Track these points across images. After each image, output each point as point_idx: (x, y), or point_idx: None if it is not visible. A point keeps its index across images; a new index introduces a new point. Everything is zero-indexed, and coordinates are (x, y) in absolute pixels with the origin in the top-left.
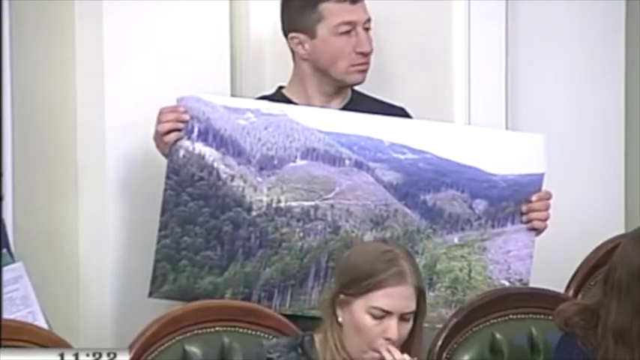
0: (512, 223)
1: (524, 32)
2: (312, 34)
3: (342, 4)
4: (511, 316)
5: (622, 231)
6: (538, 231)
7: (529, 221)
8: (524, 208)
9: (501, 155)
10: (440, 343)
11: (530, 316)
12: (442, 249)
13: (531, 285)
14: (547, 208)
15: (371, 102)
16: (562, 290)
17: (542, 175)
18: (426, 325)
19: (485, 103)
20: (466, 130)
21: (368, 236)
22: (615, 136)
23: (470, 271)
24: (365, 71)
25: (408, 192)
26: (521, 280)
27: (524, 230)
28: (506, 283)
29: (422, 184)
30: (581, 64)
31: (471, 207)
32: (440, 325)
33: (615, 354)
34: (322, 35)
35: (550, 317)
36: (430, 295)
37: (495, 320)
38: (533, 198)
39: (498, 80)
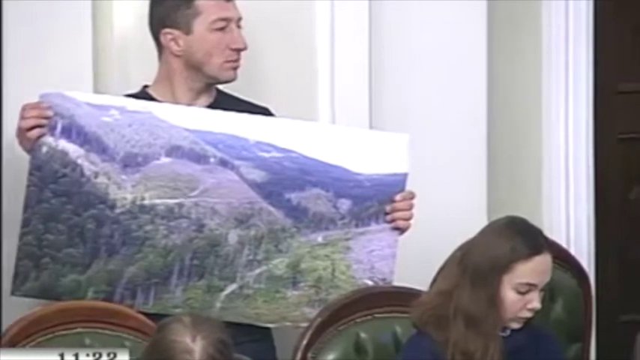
0: (376, 222)
1: (388, 33)
2: (187, 30)
3: (217, 1)
4: (375, 315)
5: None
6: (401, 230)
7: (393, 221)
8: (387, 207)
9: (365, 155)
10: (305, 342)
11: (394, 315)
12: (306, 248)
13: (395, 284)
14: (410, 208)
15: (235, 101)
16: (425, 289)
17: (405, 174)
18: (289, 324)
19: (349, 103)
20: (331, 130)
21: (232, 234)
22: (478, 137)
23: (334, 270)
24: (237, 68)
25: (273, 190)
26: (384, 279)
27: (388, 230)
28: (370, 283)
29: (287, 182)
30: (444, 65)
31: (335, 206)
32: (304, 325)
33: (466, 337)
34: (198, 31)
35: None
36: (294, 294)
37: (360, 319)
38: (397, 198)
39: (362, 80)
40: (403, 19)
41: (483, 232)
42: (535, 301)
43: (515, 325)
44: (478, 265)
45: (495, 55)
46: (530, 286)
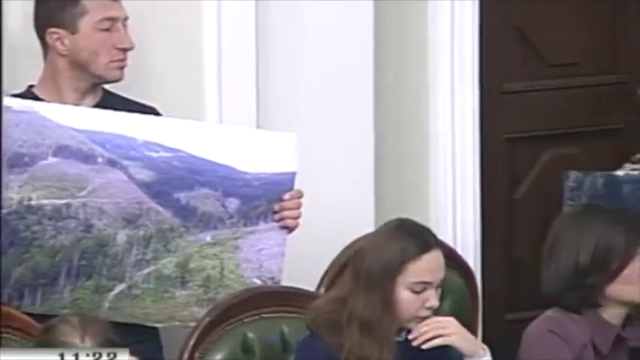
0: (265, 221)
1: (275, 33)
2: (73, 30)
3: (103, 1)
4: (263, 315)
5: (372, 229)
6: (290, 229)
7: (281, 220)
8: (276, 206)
9: (253, 154)
10: (192, 342)
11: (282, 315)
12: (195, 247)
13: (283, 283)
14: (299, 207)
15: (122, 101)
16: (313, 289)
17: (293, 174)
18: (177, 324)
19: (236, 102)
20: (219, 129)
21: (121, 234)
22: (365, 137)
23: (222, 269)
24: (123, 68)
25: (161, 190)
26: (273, 278)
27: (276, 229)
28: (258, 282)
29: (175, 182)
30: (331, 65)
31: (223, 205)
32: (192, 324)
33: (361, 344)
34: (84, 30)
35: (302, 316)
36: (182, 294)
37: (248, 319)
38: (285, 197)
39: (249, 79)
40: (290, 18)
41: (374, 237)
42: (432, 299)
43: (414, 326)
44: (371, 269)
45: (382, 56)
46: (425, 284)
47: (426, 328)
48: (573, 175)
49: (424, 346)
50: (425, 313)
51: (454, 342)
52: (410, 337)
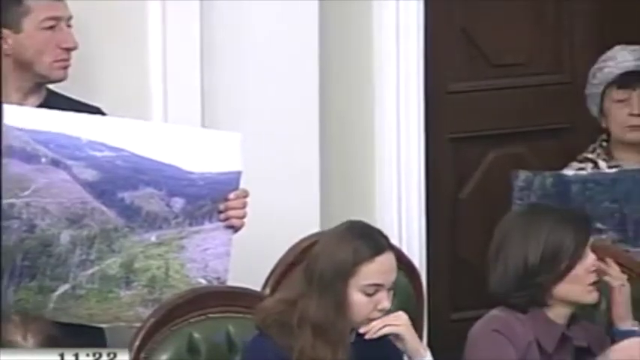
0: (210, 221)
1: (219, 33)
2: (17, 29)
3: (47, 0)
4: (209, 315)
5: (317, 229)
6: (235, 229)
7: (226, 219)
8: (221, 206)
9: (199, 153)
10: (137, 343)
11: (228, 314)
12: (139, 247)
13: (229, 283)
14: (244, 206)
15: (66, 101)
16: (259, 288)
17: (239, 173)
18: (123, 324)
19: (181, 102)
20: (163, 128)
21: (64, 234)
22: (310, 136)
23: (167, 269)
24: (67, 67)
25: (106, 190)
26: (218, 278)
27: (222, 228)
28: (204, 282)
29: (119, 182)
30: (277, 65)
31: (168, 205)
32: (138, 325)
33: (314, 346)
34: (28, 30)
35: (248, 316)
36: (127, 294)
37: (194, 319)
38: (231, 196)
39: (194, 79)
40: (235, 19)
41: (325, 239)
42: (384, 301)
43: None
44: (323, 272)
45: (327, 57)
46: (378, 287)
47: (376, 322)
48: (523, 174)
49: (371, 336)
50: (377, 315)
51: (402, 332)
52: (361, 330)
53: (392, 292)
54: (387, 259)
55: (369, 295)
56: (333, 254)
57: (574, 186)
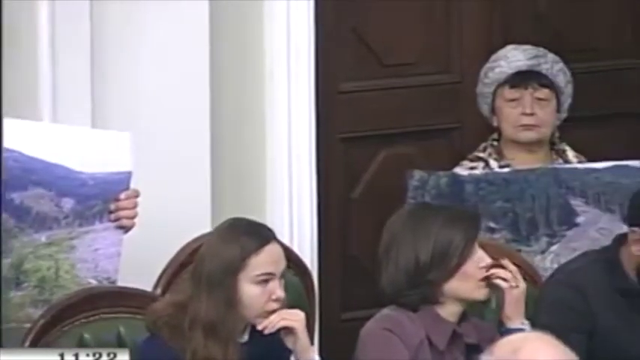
0: (100, 221)
1: (110, 32)
2: None
3: None
4: (100, 316)
5: (208, 229)
6: (126, 229)
7: (117, 219)
8: (112, 206)
9: (88, 153)
10: (28, 344)
11: (119, 315)
12: (29, 248)
13: (120, 284)
14: (135, 207)
15: None
16: (150, 289)
17: (129, 173)
18: (13, 325)
19: (71, 102)
20: (53, 128)
21: None
22: (201, 136)
23: (57, 269)
24: None
25: None
26: (109, 278)
27: (112, 228)
28: (94, 282)
29: (9, 182)
30: (167, 64)
31: (58, 205)
32: (28, 325)
33: (206, 347)
34: None
35: (139, 316)
36: (17, 295)
37: (84, 320)
38: (121, 196)
39: (84, 79)
40: (125, 18)
41: (210, 240)
42: (277, 290)
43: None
44: (211, 272)
45: (218, 56)
46: (269, 276)
47: (273, 316)
48: (417, 174)
49: (270, 330)
50: (273, 306)
51: (296, 327)
52: (259, 327)
53: (283, 281)
54: (274, 248)
55: (261, 285)
56: (220, 253)
57: (468, 186)
